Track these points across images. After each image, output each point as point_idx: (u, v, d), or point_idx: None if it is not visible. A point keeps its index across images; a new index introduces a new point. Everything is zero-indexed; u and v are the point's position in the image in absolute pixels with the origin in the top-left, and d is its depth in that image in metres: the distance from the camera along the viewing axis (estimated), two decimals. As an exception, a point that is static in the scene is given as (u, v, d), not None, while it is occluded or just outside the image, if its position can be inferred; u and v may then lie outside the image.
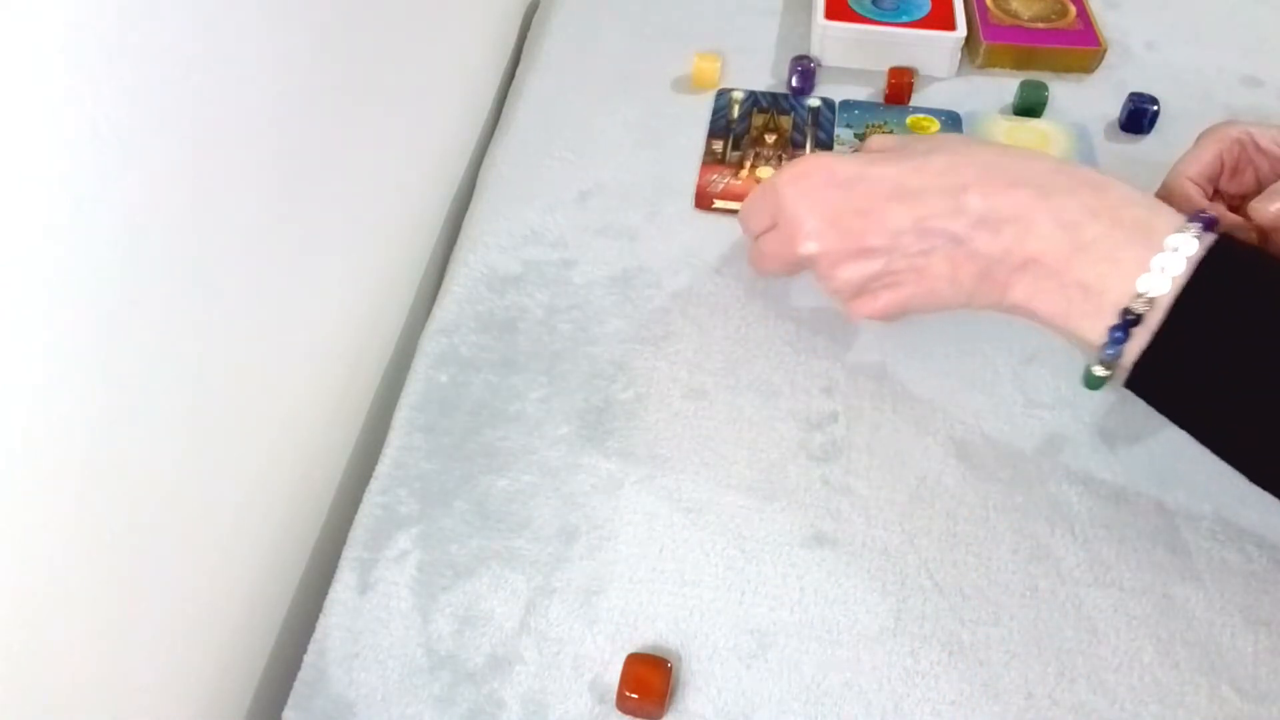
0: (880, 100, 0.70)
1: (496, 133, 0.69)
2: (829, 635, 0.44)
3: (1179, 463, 0.50)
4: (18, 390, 0.30)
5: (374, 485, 0.50)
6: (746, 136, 0.67)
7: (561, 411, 0.52)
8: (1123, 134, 0.67)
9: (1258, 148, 0.53)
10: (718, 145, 0.66)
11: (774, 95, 0.70)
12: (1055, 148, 0.66)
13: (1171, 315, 0.38)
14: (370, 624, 0.45)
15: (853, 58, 0.72)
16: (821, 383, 0.53)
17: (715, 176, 0.64)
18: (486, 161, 0.67)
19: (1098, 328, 0.40)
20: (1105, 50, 0.71)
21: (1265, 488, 0.41)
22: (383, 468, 0.50)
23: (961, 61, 0.72)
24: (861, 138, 0.66)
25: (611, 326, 0.56)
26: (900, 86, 0.69)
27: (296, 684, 0.44)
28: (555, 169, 0.65)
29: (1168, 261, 0.38)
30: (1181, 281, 0.38)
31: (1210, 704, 0.42)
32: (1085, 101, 0.70)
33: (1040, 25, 0.73)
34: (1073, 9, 0.74)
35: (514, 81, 0.74)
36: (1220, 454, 0.41)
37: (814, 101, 0.69)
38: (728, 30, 0.76)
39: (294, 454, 0.49)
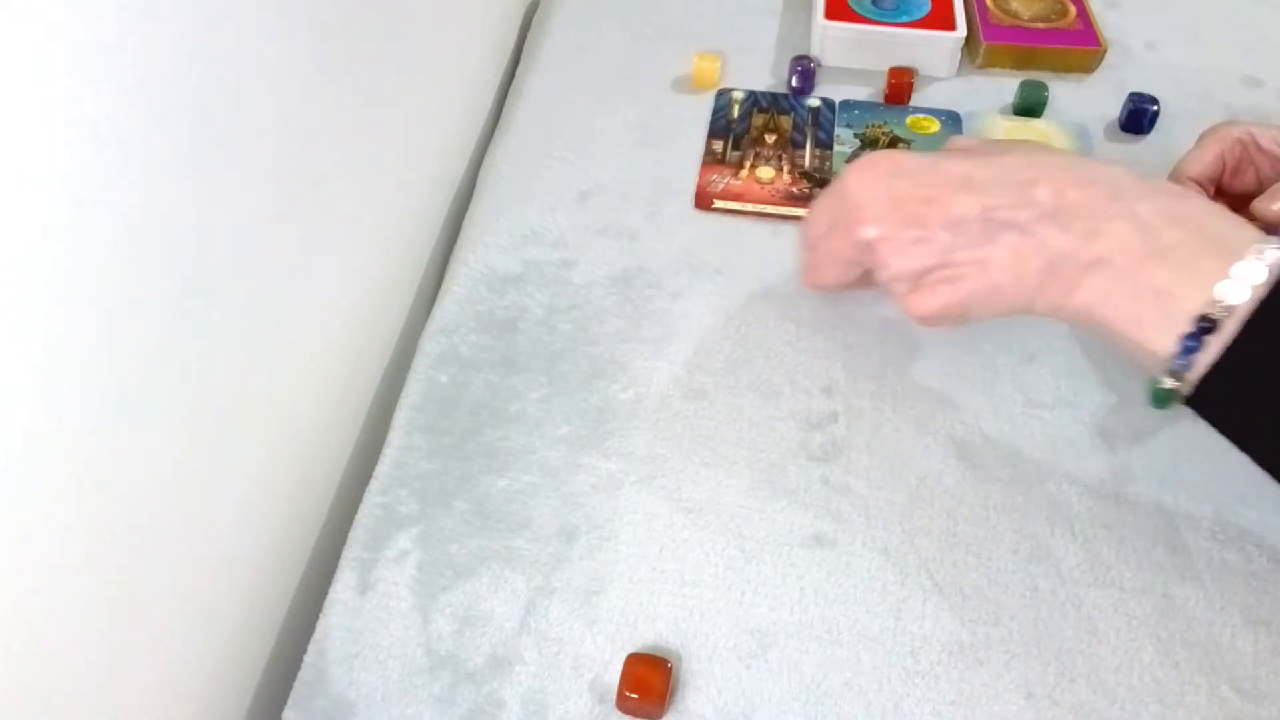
0: (880, 100, 0.70)
1: (496, 133, 0.69)
2: (829, 635, 0.44)
3: (1179, 463, 0.50)
4: (18, 390, 0.30)
5: (374, 485, 0.50)
6: (746, 136, 0.67)
7: (561, 411, 0.52)
8: (1123, 134, 0.67)
9: (1259, 147, 0.53)
10: (718, 145, 0.66)
11: (774, 95, 0.70)
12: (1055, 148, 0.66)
13: (1248, 326, 0.37)
14: (370, 624, 0.45)
15: (853, 58, 0.72)
16: (821, 383, 0.53)
17: (715, 176, 0.64)
18: (486, 161, 0.67)
19: (1168, 336, 0.38)
20: (1105, 50, 0.71)
21: None
22: (383, 468, 0.50)
23: (961, 61, 0.72)
24: (861, 138, 0.66)
25: (611, 326, 0.56)
26: (900, 86, 0.69)
27: (296, 684, 0.44)
28: (555, 169, 0.65)
29: (1249, 270, 0.37)
30: (1262, 292, 0.36)
31: (1210, 704, 0.42)
32: (1085, 101, 0.70)
33: (1040, 25, 0.73)
34: (1073, 9, 0.74)
35: (514, 81, 0.74)
36: None
37: (814, 101, 0.69)
38: (728, 30, 0.76)
39: (294, 454, 0.49)
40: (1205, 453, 0.50)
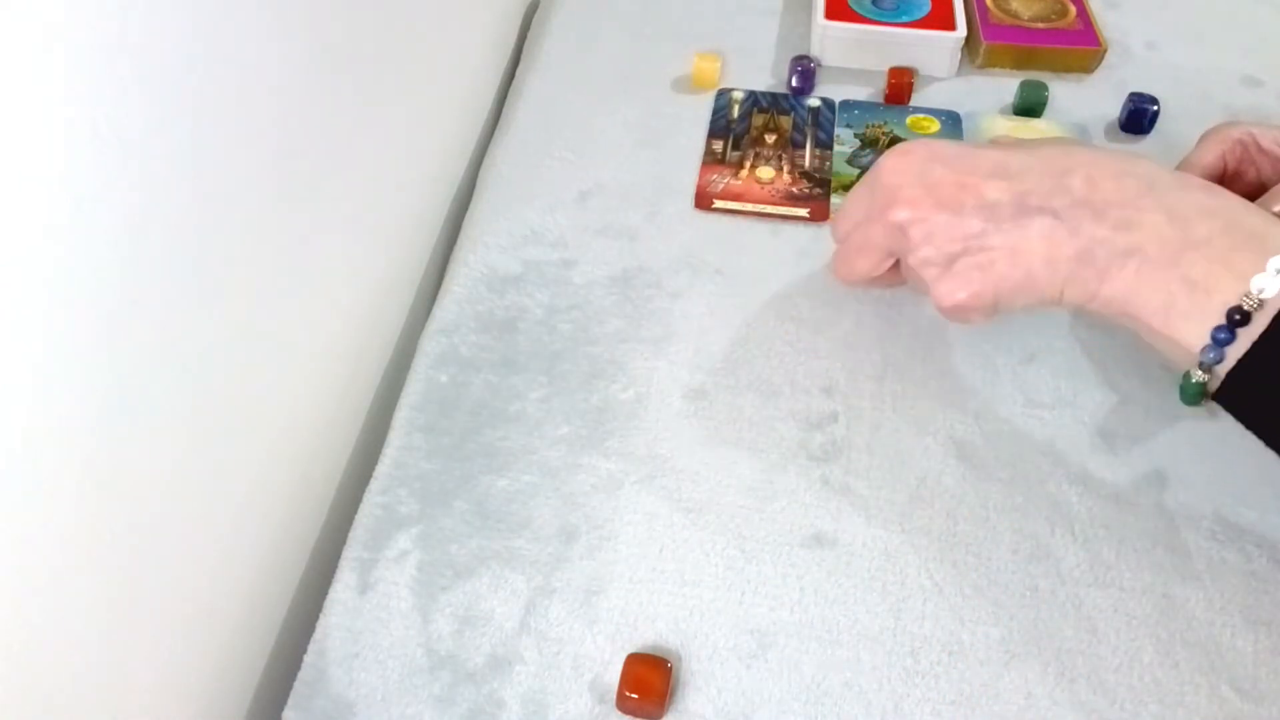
0: (880, 100, 0.70)
1: (496, 133, 0.69)
2: (829, 635, 0.44)
3: (1179, 463, 0.50)
4: (18, 390, 0.30)
5: (374, 485, 0.50)
6: (746, 136, 0.67)
7: (561, 411, 0.52)
8: (1123, 134, 0.67)
9: (1260, 148, 0.53)
10: (718, 145, 0.66)
11: (774, 95, 0.70)
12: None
13: (1279, 319, 0.37)
14: (370, 624, 0.45)
15: (853, 58, 0.72)
16: (821, 383, 0.53)
17: (715, 176, 0.64)
18: (486, 161, 0.67)
19: (1199, 329, 0.39)
20: (1105, 50, 0.71)
21: None
22: (383, 468, 0.50)
23: (961, 61, 0.72)
24: (861, 138, 0.66)
25: (611, 326, 0.56)
26: (900, 86, 0.69)
27: (296, 684, 0.44)
28: (555, 169, 0.65)
29: None
30: None
31: (1210, 704, 0.42)
32: (1085, 101, 0.70)
33: (1040, 25, 0.73)
34: (1073, 9, 0.74)
35: (514, 81, 0.74)
36: None
37: (814, 101, 0.69)
38: (728, 30, 0.76)
39: (294, 454, 0.49)
40: (1205, 453, 0.50)
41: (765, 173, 0.64)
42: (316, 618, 0.46)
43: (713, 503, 0.48)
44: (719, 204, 0.62)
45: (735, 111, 0.69)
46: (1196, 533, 0.47)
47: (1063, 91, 0.70)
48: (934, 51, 0.71)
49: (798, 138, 0.66)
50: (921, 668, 0.43)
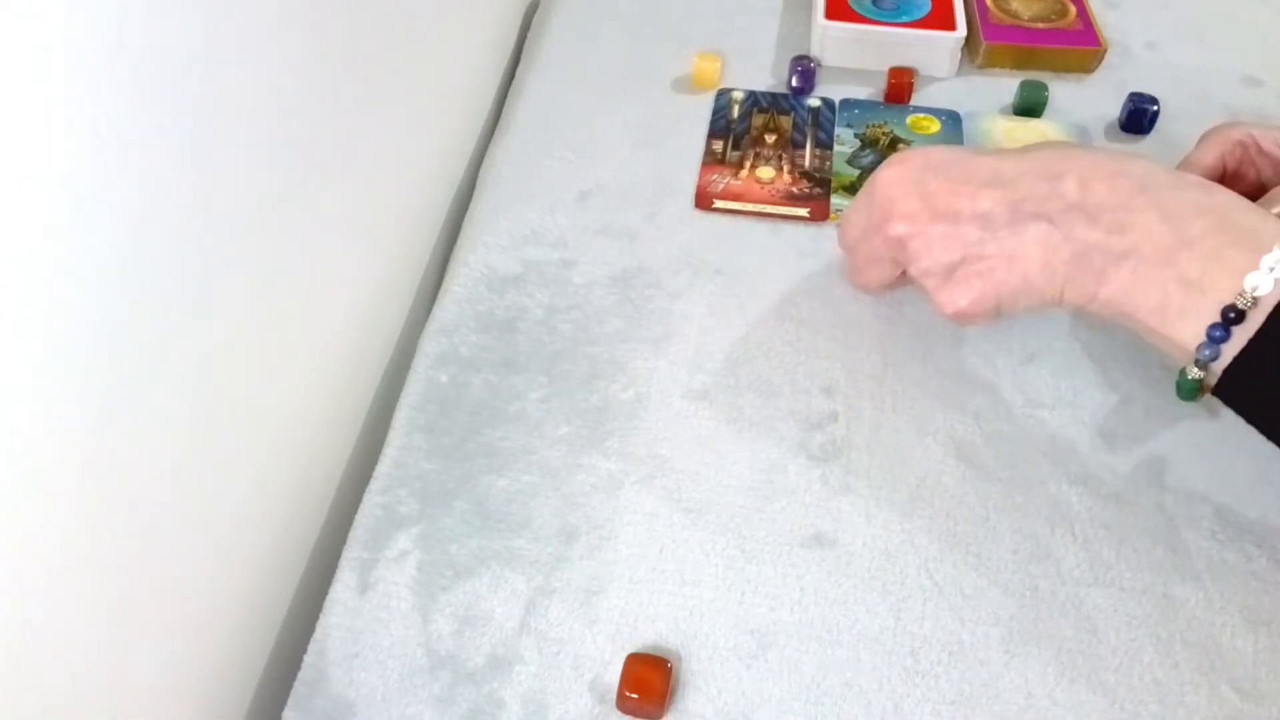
0: (880, 100, 0.70)
1: (496, 133, 0.69)
2: (829, 635, 0.44)
3: (1179, 463, 0.50)
4: (18, 390, 0.30)
5: (374, 485, 0.50)
6: (746, 136, 0.67)
7: (561, 411, 0.52)
8: (1123, 134, 0.67)
9: (1259, 149, 0.53)
10: (718, 145, 0.66)
11: (774, 95, 0.70)
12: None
13: (1274, 316, 0.37)
14: (370, 624, 0.45)
15: (853, 58, 0.72)
16: (821, 383, 0.53)
17: (715, 176, 0.64)
18: (486, 161, 0.67)
19: (1195, 327, 0.39)
20: (1105, 50, 0.71)
21: None
22: (383, 468, 0.50)
23: (961, 61, 0.72)
24: (861, 138, 0.66)
25: (611, 326, 0.56)
26: (900, 86, 0.69)
27: (296, 684, 0.44)
28: (555, 169, 0.65)
29: (1277, 262, 0.37)
30: None
31: (1210, 704, 0.42)
32: (1085, 101, 0.70)
33: (1040, 25, 0.73)
34: (1073, 9, 0.74)
35: (514, 81, 0.74)
36: None
37: (814, 101, 0.69)
38: (728, 30, 0.76)
39: (294, 454, 0.49)
40: (1205, 453, 0.50)
41: (765, 173, 0.64)
42: (316, 618, 0.46)
43: (713, 503, 0.48)
44: (719, 204, 0.62)
45: (735, 111, 0.69)
46: (1196, 533, 0.47)
47: (1063, 91, 0.70)
48: (934, 51, 0.71)
49: (798, 138, 0.66)
50: (921, 668, 0.43)
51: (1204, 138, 0.55)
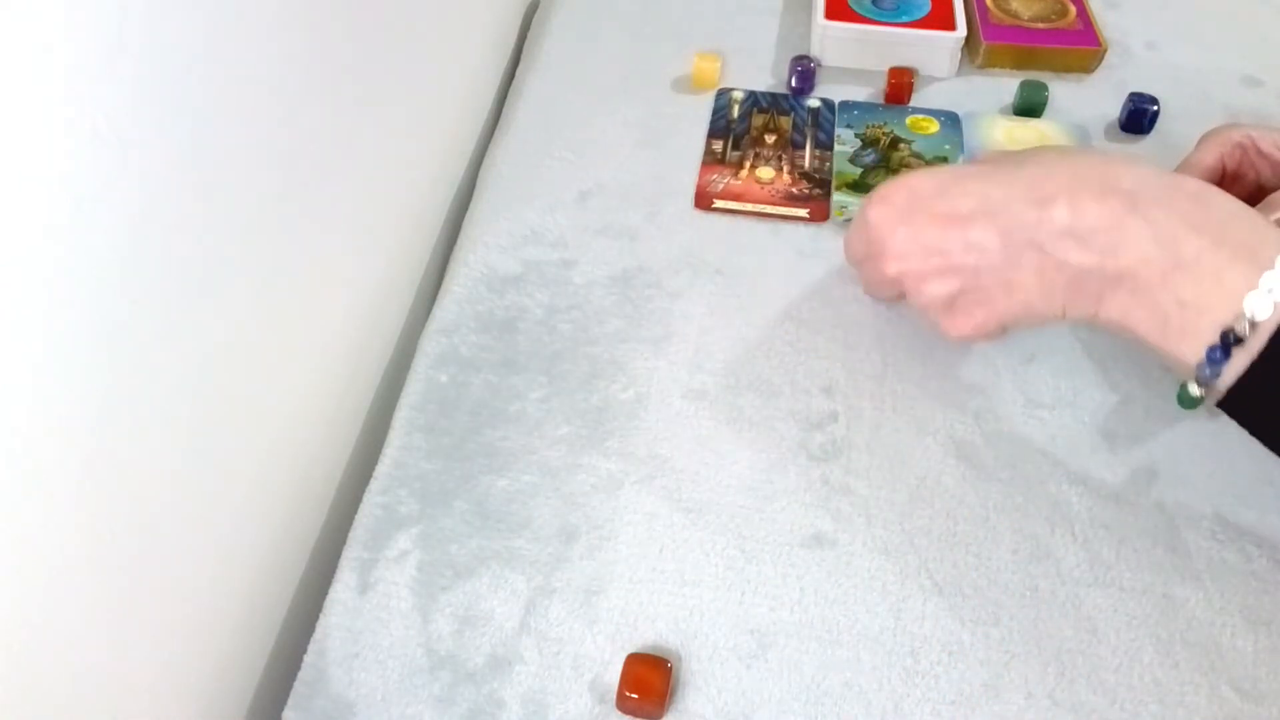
0: (880, 101, 0.70)
1: (496, 133, 0.69)
2: (829, 635, 0.44)
3: (1179, 463, 0.50)
4: (18, 390, 0.30)
5: (374, 485, 0.50)
6: (746, 136, 0.67)
7: (561, 411, 0.52)
8: (1123, 134, 0.67)
9: (1259, 151, 0.52)
10: (718, 145, 0.66)
11: (774, 95, 0.70)
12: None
13: (1275, 338, 0.37)
14: (370, 624, 0.45)
15: (853, 58, 0.72)
16: (821, 383, 0.53)
17: (715, 176, 0.64)
18: (486, 161, 0.67)
19: (1195, 347, 0.38)
20: (1105, 50, 0.71)
21: None
22: (383, 468, 0.50)
23: (961, 61, 0.72)
24: (862, 137, 0.66)
25: (611, 326, 0.56)
26: (900, 86, 0.69)
27: (296, 684, 0.44)
28: (555, 169, 0.65)
29: (1276, 282, 0.36)
30: None
31: (1210, 704, 0.42)
32: (1085, 101, 0.70)
33: (1040, 25, 0.73)
34: (1073, 9, 0.74)
35: (514, 81, 0.74)
36: None
37: (814, 102, 0.69)
38: (728, 30, 0.76)
39: (294, 454, 0.49)
40: (1205, 453, 0.50)
41: (765, 173, 0.64)
42: (316, 618, 0.46)
43: (713, 503, 0.48)
44: (719, 204, 0.62)
45: (735, 111, 0.69)
46: (1196, 533, 0.47)
47: (1063, 91, 0.70)
48: (934, 51, 0.71)
49: (798, 138, 0.66)
50: (921, 668, 0.43)
51: (1203, 139, 0.55)
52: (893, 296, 0.51)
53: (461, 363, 0.54)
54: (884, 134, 0.66)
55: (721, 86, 0.71)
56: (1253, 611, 0.45)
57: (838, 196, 0.62)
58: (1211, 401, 0.40)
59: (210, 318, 0.40)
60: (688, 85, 0.71)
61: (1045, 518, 0.48)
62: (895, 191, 0.46)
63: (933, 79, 0.72)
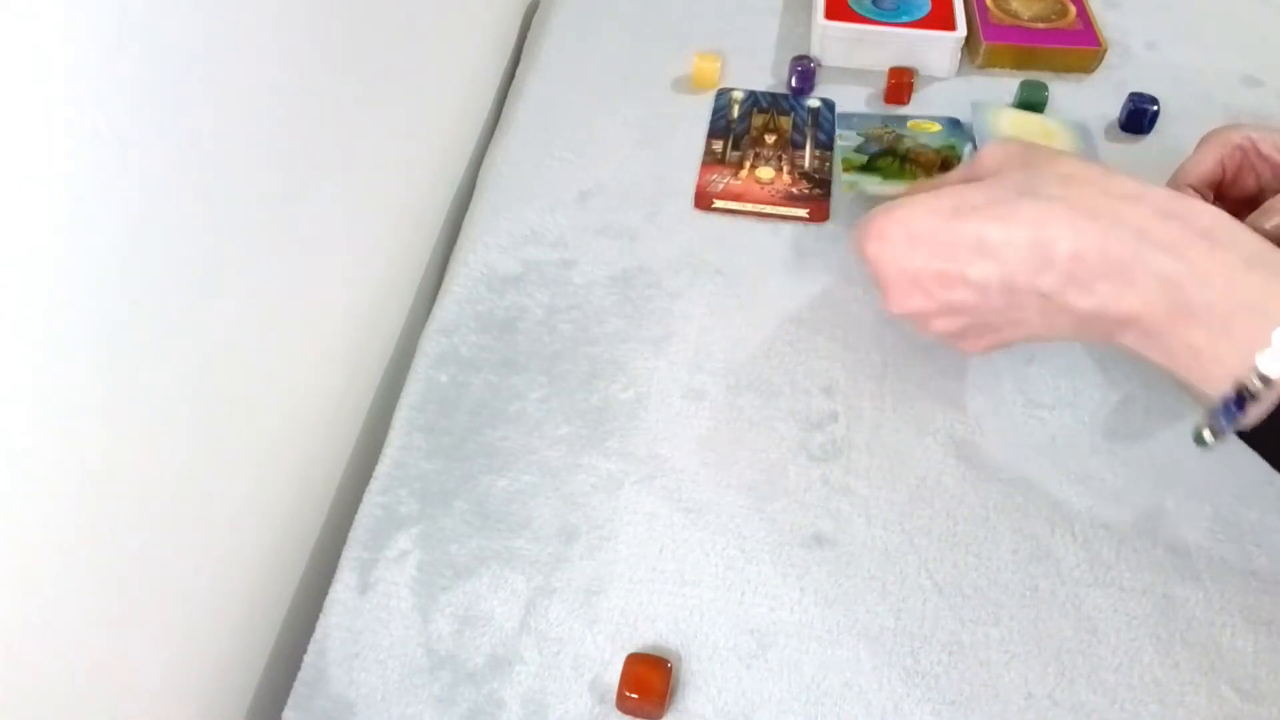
0: (880, 100, 0.70)
1: (496, 133, 0.69)
2: (829, 635, 0.44)
3: (1179, 463, 0.50)
4: (18, 390, 0.30)
5: (374, 485, 0.50)
6: (746, 136, 0.67)
7: (561, 411, 0.52)
8: (1123, 134, 0.67)
9: (1259, 153, 0.52)
10: (718, 145, 0.66)
11: (774, 95, 0.70)
12: (1059, 146, 0.66)
13: None
14: (370, 624, 0.45)
15: (853, 58, 0.72)
16: (821, 383, 0.53)
17: (715, 176, 0.64)
18: (486, 161, 0.67)
19: (1211, 388, 0.37)
20: (1105, 50, 0.71)
21: None
22: (383, 468, 0.50)
23: (961, 61, 0.72)
24: (865, 135, 0.66)
25: (611, 326, 0.56)
26: (900, 86, 0.69)
27: (296, 684, 0.44)
28: (555, 169, 0.65)
29: None
30: None
31: (1210, 704, 0.42)
32: (1085, 101, 0.70)
33: (1040, 25, 0.73)
34: (1073, 9, 0.74)
35: (514, 81, 0.74)
36: None
37: (814, 102, 0.69)
38: (728, 30, 0.76)
39: (294, 454, 0.49)
40: (1205, 453, 0.50)
41: (765, 173, 0.64)
42: (316, 618, 0.46)
43: (713, 503, 0.48)
44: (719, 204, 0.62)
45: (735, 111, 0.69)
46: (1196, 533, 0.47)
47: (1063, 91, 0.70)
48: (934, 51, 0.71)
49: (797, 138, 0.66)
50: (921, 668, 0.43)
51: (1202, 141, 0.54)
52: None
53: (461, 363, 0.54)
54: (886, 133, 0.66)
55: (721, 86, 0.71)
56: (1253, 611, 0.45)
57: (846, 176, 0.62)
58: (1223, 440, 0.39)
59: (210, 318, 0.40)
60: (688, 85, 0.71)
61: (1045, 518, 0.48)
62: (890, 230, 0.44)
63: (933, 79, 0.72)
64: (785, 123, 0.68)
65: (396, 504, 0.49)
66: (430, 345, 0.55)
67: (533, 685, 0.43)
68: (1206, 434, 0.39)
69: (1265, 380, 0.35)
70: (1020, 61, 0.72)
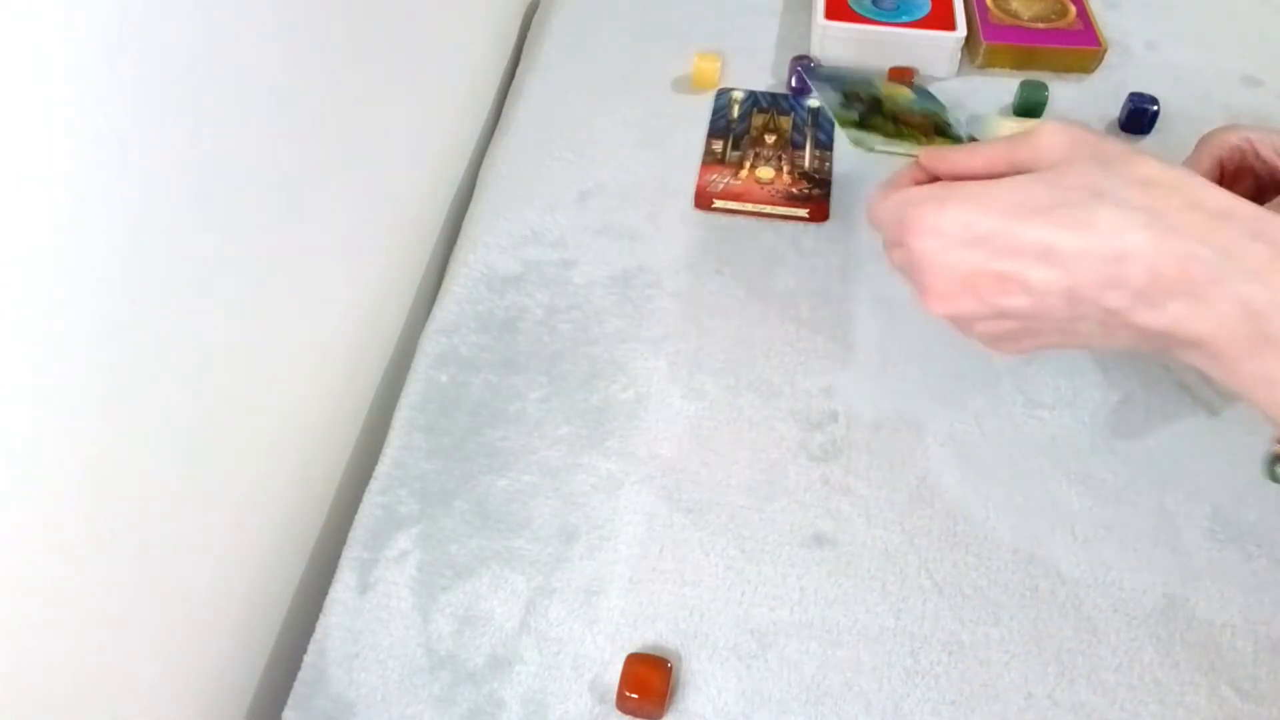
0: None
1: (496, 133, 0.69)
2: (829, 635, 0.44)
3: (1179, 463, 0.50)
4: (18, 390, 0.30)
5: (374, 485, 0.50)
6: (746, 136, 0.67)
7: (561, 411, 0.52)
8: (1123, 134, 0.67)
9: (1257, 155, 0.52)
10: (718, 145, 0.66)
11: (774, 95, 0.70)
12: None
13: None
14: (370, 624, 0.45)
15: (853, 58, 0.72)
16: (821, 383, 0.53)
17: (715, 176, 0.64)
18: (486, 161, 0.67)
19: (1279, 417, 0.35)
20: (1105, 50, 0.71)
21: None
22: (383, 468, 0.50)
23: (961, 61, 0.72)
24: (844, 93, 0.61)
25: (611, 326, 0.56)
26: (900, 86, 0.69)
27: (296, 684, 0.44)
28: (555, 169, 0.65)
29: None
30: None
31: (1210, 704, 0.42)
32: (1085, 101, 0.70)
33: (1040, 25, 0.73)
34: (1073, 9, 0.74)
35: (514, 81, 0.74)
36: None
37: (814, 102, 0.69)
38: (728, 30, 0.76)
39: (294, 454, 0.49)
40: (1205, 453, 0.50)
41: (765, 173, 0.64)
42: (316, 618, 0.46)
43: (713, 503, 0.48)
44: (719, 204, 0.62)
45: (735, 111, 0.69)
46: (1196, 533, 0.47)
47: (1063, 91, 0.70)
48: (934, 51, 0.71)
49: (797, 138, 0.66)
50: (921, 668, 0.43)
51: (1201, 142, 0.54)
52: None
53: (461, 363, 0.54)
54: (863, 86, 0.62)
55: (721, 86, 0.71)
56: (1253, 611, 0.45)
57: (849, 133, 0.57)
58: None
59: (210, 317, 0.40)
60: (688, 85, 0.71)
61: (1045, 518, 0.48)
62: (945, 222, 0.39)
63: (933, 79, 0.72)
64: (785, 123, 0.68)
65: (396, 504, 0.49)
66: (430, 345, 0.55)
67: (533, 685, 0.43)
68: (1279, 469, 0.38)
69: None
70: (1020, 61, 0.72)
